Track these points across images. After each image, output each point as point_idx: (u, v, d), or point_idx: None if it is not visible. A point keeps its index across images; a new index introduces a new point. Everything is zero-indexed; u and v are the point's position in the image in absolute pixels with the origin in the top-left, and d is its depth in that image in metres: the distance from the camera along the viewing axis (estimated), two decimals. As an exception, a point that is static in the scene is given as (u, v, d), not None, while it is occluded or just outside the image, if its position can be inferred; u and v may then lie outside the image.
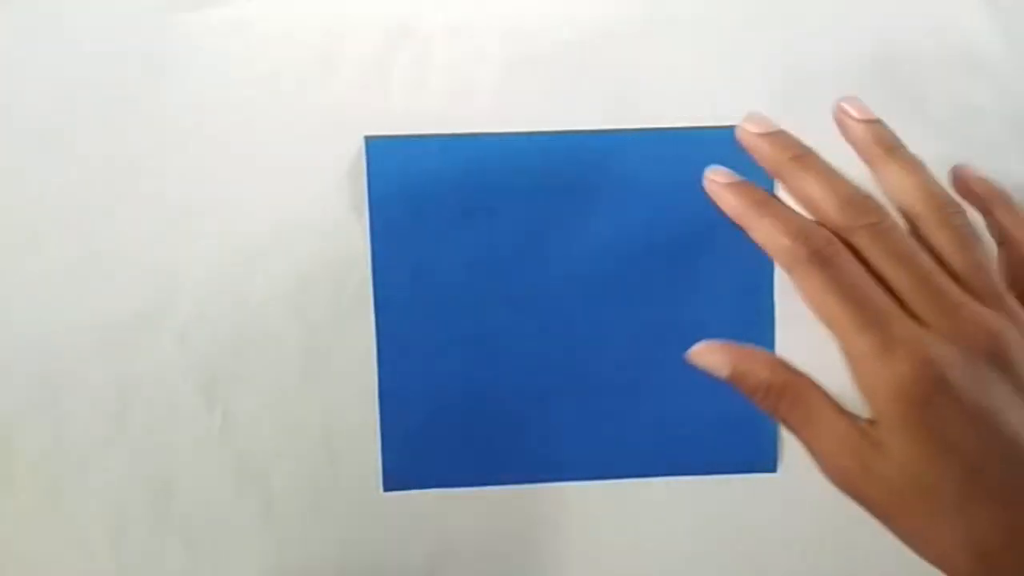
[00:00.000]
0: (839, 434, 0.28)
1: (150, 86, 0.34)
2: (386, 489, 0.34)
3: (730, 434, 0.34)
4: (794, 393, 0.29)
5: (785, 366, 0.29)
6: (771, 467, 0.35)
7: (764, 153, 0.30)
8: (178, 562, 0.35)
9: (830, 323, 0.27)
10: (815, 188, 0.29)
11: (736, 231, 0.31)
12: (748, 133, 0.31)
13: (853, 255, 0.28)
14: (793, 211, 0.29)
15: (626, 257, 0.33)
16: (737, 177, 0.30)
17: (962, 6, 0.36)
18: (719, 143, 0.32)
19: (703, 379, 0.33)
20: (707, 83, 0.34)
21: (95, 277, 0.35)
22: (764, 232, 0.29)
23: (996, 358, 0.27)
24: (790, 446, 0.35)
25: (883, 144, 0.30)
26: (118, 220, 0.35)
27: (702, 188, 0.32)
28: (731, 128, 0.32)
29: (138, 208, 0.35)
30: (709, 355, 0.31)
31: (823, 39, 0.35)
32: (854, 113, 0.31)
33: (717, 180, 0.30)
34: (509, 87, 0.34)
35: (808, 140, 0.30)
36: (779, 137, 0.31)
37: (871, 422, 0.27)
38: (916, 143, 0.30)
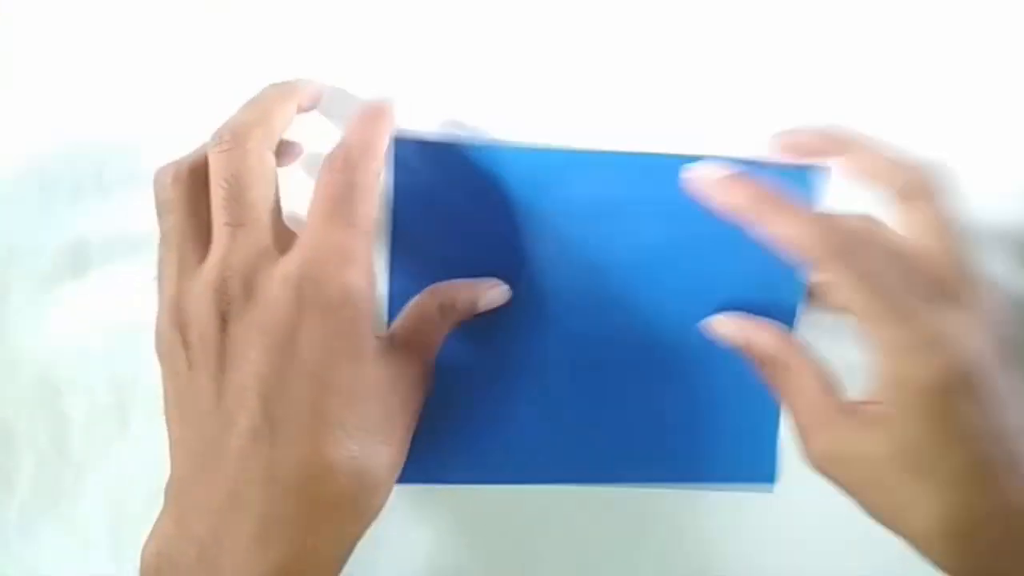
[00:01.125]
0: (819, 410, 0.30)
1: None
2: (397, 481, 0.34)
3: (731, 447, 0.34)
4: (792, 369, 0.31)
5: (792, 342, 0.31)
6: (769, 480, 0.35)
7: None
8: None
9: (861, 314, 0.28)
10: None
11: (734, 251, 0.31)
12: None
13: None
14: (806, 206, 0.30)
15: (638, 271, 0.33)
16: (731, 169, 0.31)
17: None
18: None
19: (707, 391, 0.33)
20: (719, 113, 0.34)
21: (95, 277, 0.35)
22: (785, 226, 0.29)
23: (1004, 356, 0.28)
24: (789, 460, 0.35)
25: (838, 138, 0.32)
26: (119, 217, 0.35)
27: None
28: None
29: (139, 205, 0.35)
30: (724, 326, 0.33)
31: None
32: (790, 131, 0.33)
33: (710, 176, 0.31)
34: (540, 100, 0.34)
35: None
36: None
37: (865, 403, 0.29)
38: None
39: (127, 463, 0.34)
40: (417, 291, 0.31)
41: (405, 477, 0.34)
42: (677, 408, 0.34)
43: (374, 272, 0.28)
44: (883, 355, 0.28)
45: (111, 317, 0.35)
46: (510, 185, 0.32)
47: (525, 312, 0.33)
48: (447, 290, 0.32)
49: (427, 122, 0.33)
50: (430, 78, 0.34)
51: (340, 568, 0.28)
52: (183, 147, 0.30)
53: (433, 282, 0.32)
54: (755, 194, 0.30)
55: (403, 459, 0.29)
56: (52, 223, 0.35)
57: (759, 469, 0.35)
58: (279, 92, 0.31)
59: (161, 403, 0.28)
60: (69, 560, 0.34)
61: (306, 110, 0.32)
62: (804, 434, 0.30)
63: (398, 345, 0.30)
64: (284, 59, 0.35)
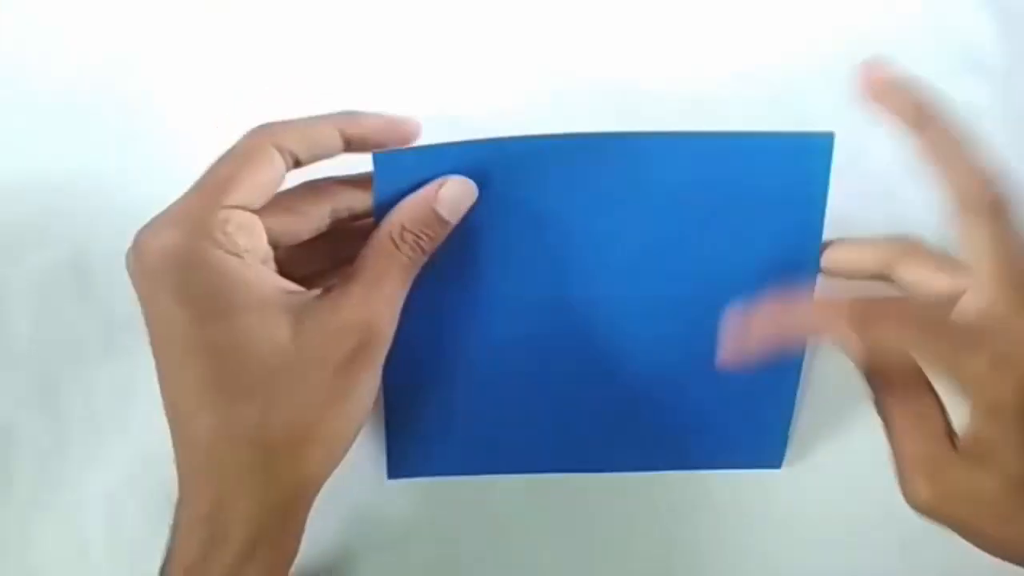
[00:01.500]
0: (936, 455, 0.28)
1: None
2: (390, 477, 0.34)
3: (742, 433, 0.34)
4: (912, 405, 0.29)
5: (922, 377, 0.29)
6: (776, 464, 0.35)
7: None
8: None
9: (991, 281, 0.27)
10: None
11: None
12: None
13: None
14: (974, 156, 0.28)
15: (640, 256, 0.32)
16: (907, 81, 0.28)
17: (962, 6, 0.36)
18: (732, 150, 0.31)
19: (720, 378, 0.32)
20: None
21: (96, 277, 0.35)
22: (959, 173, 0.28)
23: None
24: (797, 443, 0.35)
25: (925, 111, 0.29)
26: (119, 217, 0.35)
27: (706, 191, 0.30)
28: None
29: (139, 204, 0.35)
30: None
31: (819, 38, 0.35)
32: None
33: (882, 75, 0.28)
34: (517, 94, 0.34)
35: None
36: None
37: (969, 437, 0.27)
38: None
39: (127, 463, 0.34)
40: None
41: (407, 472, 0.34)
42: (689, 396, 0.34)
43: (216, 231, 0.27)
44: (1007, 335, 0.27)
45: (111, 317, 0.35)
46: (496, 179, 0.31)
47: (527, 300, 0.32)
48: (400, 212, 0.29)
49: (426, 121, 0.33)
50: (428, 77, 0.35)
51: (283, 527, 0.27)
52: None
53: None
54: (938, 132, 0.28)
55: (350, 419, 0.28)
56: (52, 223, 0.35)
57: (768, 454, 0.35)
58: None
59: (161, 404, 0.28)
60: (69, 560, 0.34)
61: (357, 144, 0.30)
62: (915, 478, 0.28)
63: (337, 293, 0.28)
64: (284, 59, 0.35)
